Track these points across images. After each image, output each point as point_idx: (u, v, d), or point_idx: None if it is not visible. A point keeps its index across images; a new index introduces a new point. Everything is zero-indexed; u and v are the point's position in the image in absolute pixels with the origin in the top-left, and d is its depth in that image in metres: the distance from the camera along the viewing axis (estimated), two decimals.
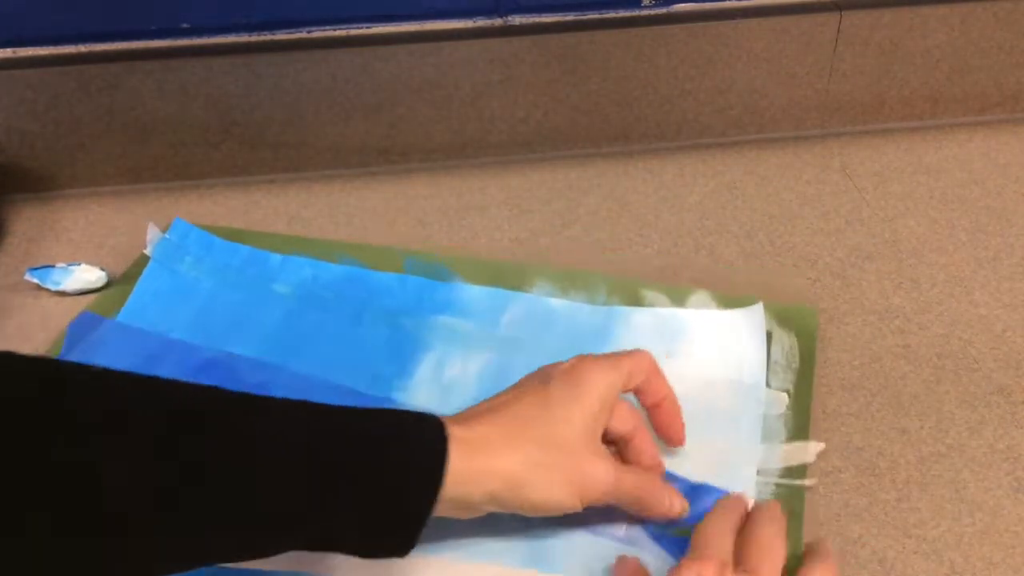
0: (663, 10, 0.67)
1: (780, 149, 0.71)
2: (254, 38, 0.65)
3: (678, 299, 0.57)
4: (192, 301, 0.58)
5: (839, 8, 0.67)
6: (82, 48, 0.64)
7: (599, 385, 0.42)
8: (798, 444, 0.48)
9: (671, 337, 0.54)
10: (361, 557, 0.38)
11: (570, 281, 0.58)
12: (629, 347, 0.53)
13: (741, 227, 0.64)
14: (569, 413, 0.41)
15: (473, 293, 0.58)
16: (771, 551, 0.38)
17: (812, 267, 0.61)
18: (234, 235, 0.63)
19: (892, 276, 0.60)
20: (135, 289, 0.58)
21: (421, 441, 0.38)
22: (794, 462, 0.47)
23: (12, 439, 0.31)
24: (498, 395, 0.43)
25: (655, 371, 0.45)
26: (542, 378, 0.43)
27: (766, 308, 0.56)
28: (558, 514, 0.41)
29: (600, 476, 0.41)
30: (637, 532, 0.45)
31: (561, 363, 0.44)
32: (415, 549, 0.41)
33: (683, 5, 0.67)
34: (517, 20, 0.66)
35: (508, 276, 0.59)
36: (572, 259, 0.61)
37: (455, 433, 0.38)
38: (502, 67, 0.66)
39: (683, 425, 0.47)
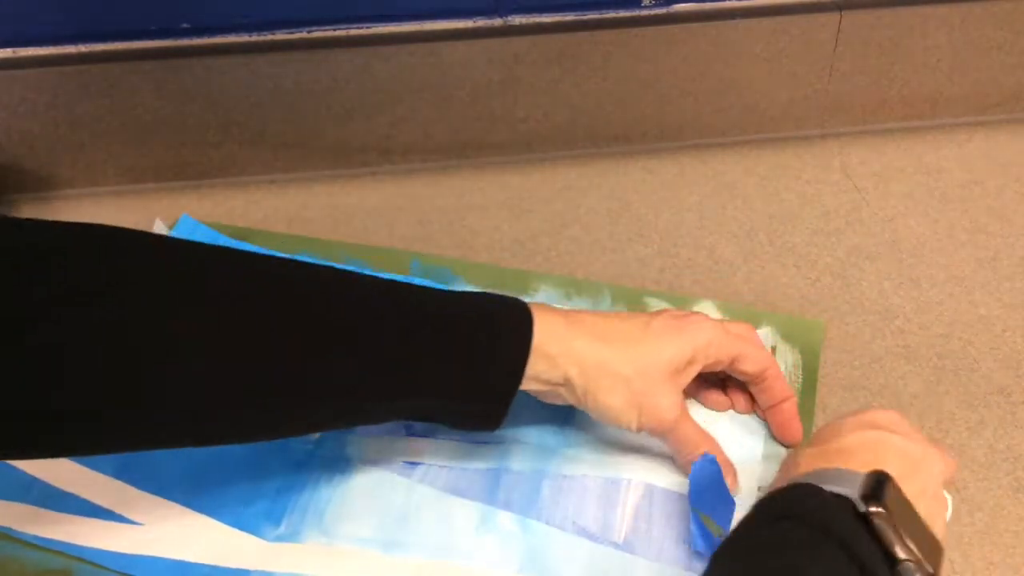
0: (663, 10, 0.67)
1: (780, 149, 0.71)
2: (254, 38, 0.65)
3: (682, 308, 0.57)
4: None
5: (839, 8, 0.67)
6: (82, 48, 0.64)
7: (700, 338, 0.45)
8: None
9: None
10: (455, 428, 0.45)
11: (574, 288, 0.58)
12: None
13: (741, 227, 0.64)
14: (662, 347, 0.44)
15: None
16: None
17: (812, 267, 0.61)
18: (240, 233, 0.63)
19: (892, 276, 0.60)
20: None
21: (513, 318, 0.43)
22: None
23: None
24: (603, 312, 0.47)
25: (773, 370, 0.48)
26: (652, 313, 0.47)
27: (771, 321, 0.55)
28: (616, 425, 0.44)
29: (662, 410, 0.44)
30: (635, 538, 0.45)
31: (674, 310, 0.48)
32: (411, 554, 0.44)
33: (683, 5, 0.67)
34: (517, 20, 0.66)
35: (512, 281, 0.59)
36: (575, 263, 0.62)
37: (541, 316, 0.43)
38: (502, 67, 0.66)
39: (799, 426, 0.49)
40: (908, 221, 0.64)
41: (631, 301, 0.58)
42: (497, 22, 0.66)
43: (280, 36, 0.65)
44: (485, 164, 0.70)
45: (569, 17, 0.66)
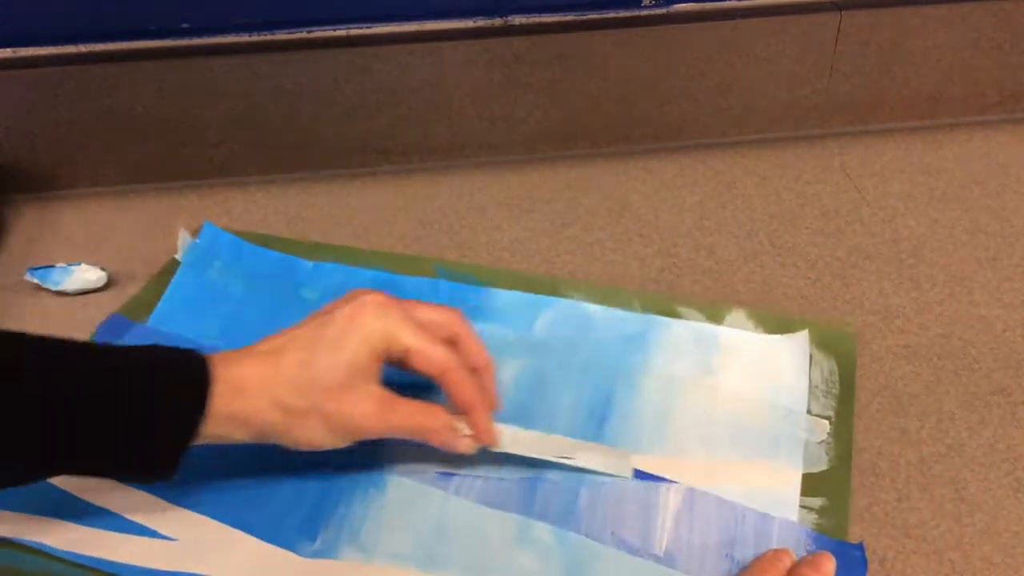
0: (663, 10, 0.67)
1: (780, 149, 0.71)
2: (254, 38, 0.65)
3: (714, 317, 0.56)
4: (221, 307, 0.57)
5: (839, 8, 0.67)
6: (82, 48, 0.64)
7: (373, 334, 0.43)
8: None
9: (710, 353, 0.53)
10: (126, 483, 0.45)
11: (602, 296, 0.57)
12: (667, 356, 0.53)
13: (741, 227, 0.64)
14: (335, 360, 0.42)
15: (506, 298, 0.57)
16: None
17: (812, 267, 0.61)
18: (263, 240, 0.62)
19: (892, 276, 0.60)
20: (165, 294, 0.58)
21: (184, 383, 0.41)
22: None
23: None
24: (277, 335, 0.44)
25: (464, 333, 0.45)
26: (322, 320, 0.44)
27: (804, 328, 0.55)
28: (326, 449, 0.43)
29: (360, 420, 0.42)
30: (676, 548, 0.44)
31: (344, 305, 0.44)
32: (449, 571, 0.43)
33: (683, 5, 0.67)
34: (517, 20, 0.66)
35: (539, 287, 0.58)
36: (575, 263, 0.62)
37: (219, 374, 0.41)
38: (502, 67, 0.66)
39: (479, 397, 0.45)
40: (908, 221, 0.64)
41: (662, 310, 0.56)
42: (497, 22, 0.66)
43: (280, 36, 0.65)
44: (485, 164, 0.70)
45: (569, 17, 0.66)
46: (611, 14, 0.66)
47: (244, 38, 0.65)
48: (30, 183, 0.68)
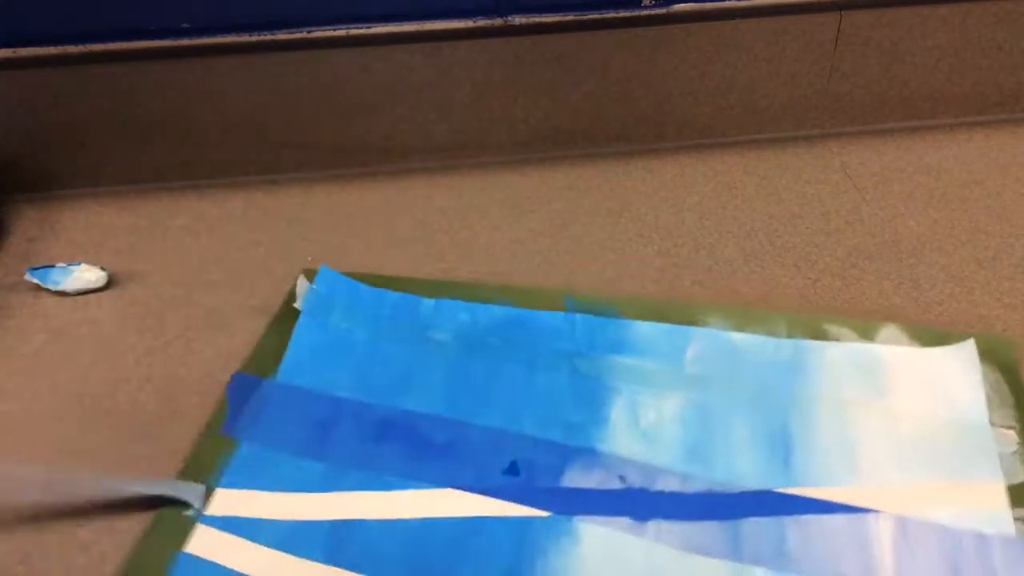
0: (663, 10, 0.67)
1: (780, 149, 0.71)
2: (254, 38, 0.65)
3: (866, 333, 0.54)
4: (349, 355, 0.55)
5: (839, 8, 0.67)
6: (82, 48, 0.64)
7: None
8: None
9: (873, 375, 0.51)
10: None
11: (744, 320, 0.55)
12: (831, 382, 0.51)
13: (741, 227, 0.64)
14: None
15: (647, 330, 0.55)
16: None
17: (812, 267, 0.61)
18: (383, 282, 0.60)
19: (892, 276, 0.60)
20: (290, 345, 0.55)
21: None
22: None
23: None
24: None
25: None
26: None
27: (963, 340, 0.53)
28: None
29: None
30: None
31: None
32: None
33: (683, 5, 0.67)
34: (517, 20, 0.66)
35: (675, 315, 0.56)
36: (575, 263, 0.62)
37: None
38: (502, 67, 0.66)
39: None
40: (908, 221, 0.64)
41: (809, 327, 0.55)
42: (498, 22, 0.66)
43: (280, 36, 0.65)
44: (485, 164, 0.70)
45: (569, 17, 0.66)
46: (611, 14, 0.66)
47: (244, 38, 0.65)
48: (30, 183, 0.68)
